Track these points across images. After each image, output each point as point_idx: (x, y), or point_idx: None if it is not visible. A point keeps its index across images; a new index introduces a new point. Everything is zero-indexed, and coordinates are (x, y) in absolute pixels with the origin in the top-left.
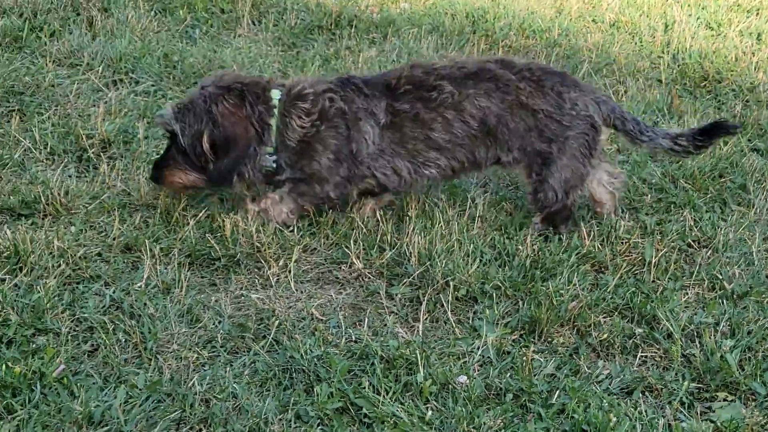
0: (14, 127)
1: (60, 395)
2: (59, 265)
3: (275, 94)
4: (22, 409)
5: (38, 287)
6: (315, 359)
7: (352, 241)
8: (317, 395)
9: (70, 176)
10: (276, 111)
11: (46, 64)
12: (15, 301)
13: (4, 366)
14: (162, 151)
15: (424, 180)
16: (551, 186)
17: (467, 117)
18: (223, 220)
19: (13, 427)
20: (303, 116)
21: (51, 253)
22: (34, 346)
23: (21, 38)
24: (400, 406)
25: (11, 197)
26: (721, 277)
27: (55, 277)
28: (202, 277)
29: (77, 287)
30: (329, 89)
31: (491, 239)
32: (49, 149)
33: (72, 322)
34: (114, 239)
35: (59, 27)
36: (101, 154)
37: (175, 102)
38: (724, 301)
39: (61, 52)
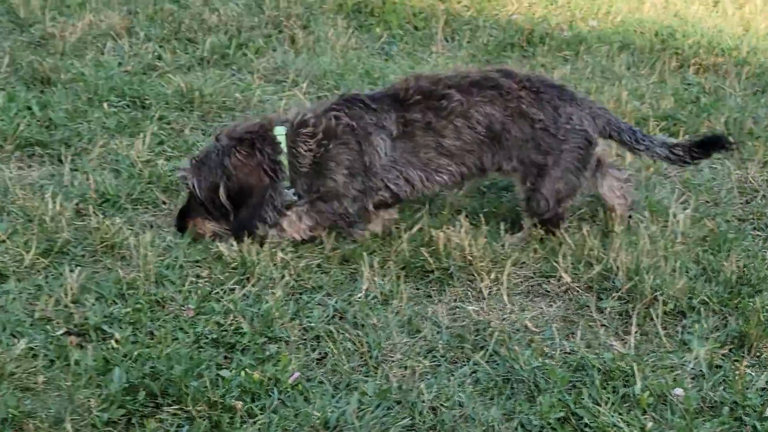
0: None
1: (296, 401)
2: (283, 276)
3: (279, 131)
4: (262, 414)
5: (266, 297)
6: (534, 370)
7: (560, 256)
8: (540, 405)
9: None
10: (283, 146)
11: (254, 80)
12: (245, 309)
13: (243, 372)
14: (185, 201)
15: (435, 187)
16: (543, 196)
17: (474, 123)
18: (436, 234)
19: (255, 430)
20: (308, 140)
21: (275, 264)
22: (267, 353)
23: (228, 55)
24: (619, 416)
25: None
26: None
27: (281, 288)
28: (417, 289)
29: (301, 297)
30: (332, 109)
31: (695, 255)
32: None
33: (299, 331)
34: (332, 251)
35: (263, 44)
36: None
37: (192, 154)
38: None
39: (267, 68)
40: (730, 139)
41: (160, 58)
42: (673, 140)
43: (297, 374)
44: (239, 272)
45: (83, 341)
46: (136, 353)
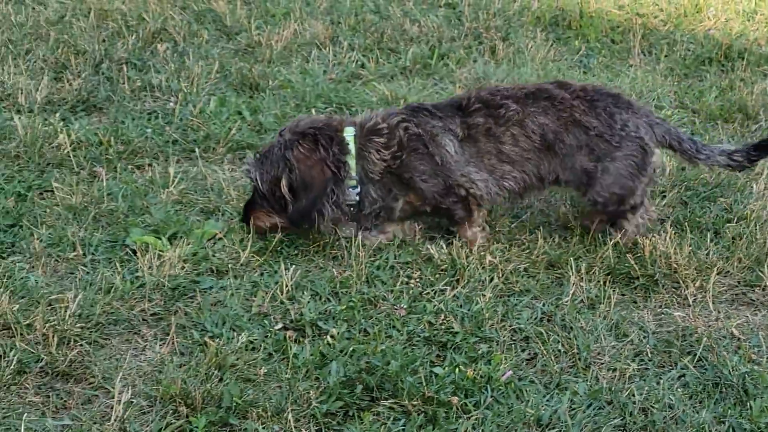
0: None
1: (509, 398)
2: (492, 279)
3: (348, 132)
4: (476, 410)
5: (476, 299)
6: (743, 375)
7: (766, 266)
8: (750, 409)
9: None
10: (351, 148)
11: (455, 90)
12: (455, 310)
13: (456, 370)
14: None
15: (504, 193)
16: (599, 194)
17: (530, 132)
18: (642, 242)
19: (470, 425)
20: (382, 149)
21: (483, 267)
22: (479, 352)
23: (429, 65)
24: None
25: None
26: None
27: (490, 290)
28: (623, 294)
29: (509, 300)
30: (403, 119)
31: None
32: None
33: (509, 332)
34: (538, 256)
35: (464, 55)
36: None
37: (255, 150)
38: None
39: (468, 78)
40: None
41: (363, 66)
42: (731, 146)
43: (509, 372)
44: (449, 274)
45: (299, 336)
46: (351, 349)
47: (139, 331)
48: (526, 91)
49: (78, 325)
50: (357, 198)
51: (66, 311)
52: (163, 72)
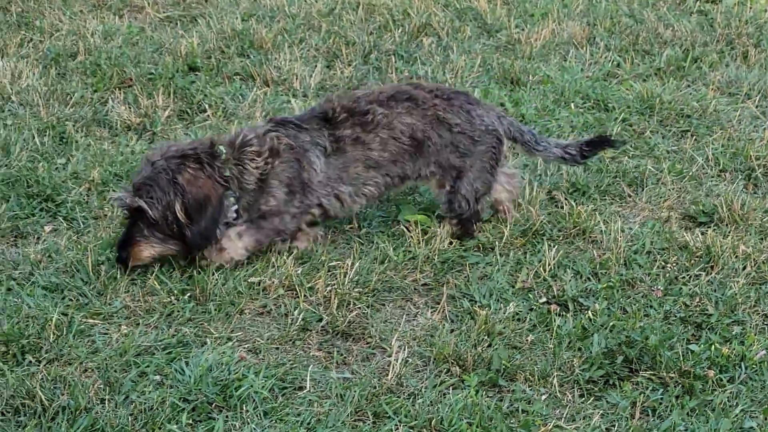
0: (689, 146)
1: (763, 375)
2: (745, 267)
3: (221, 150)
4: (731, 384)
5: (730, 284)
6: None
7: None
8: None
9: (742, 191)
10: (228, 164)
11: (708, 92)
12: (710, 294)
13: (712, 347)
14: (122, 233)
15: (363, 201)
16: (464, 196)
17: (398, 134)
18: None
19: (725, 398)
20: (255, 157)
21: (737, 256)
22: (732, 333)
23: (683, 67)
24: None
25: (692, 206)
26: None
27: (743, 277)
28: None
29: (761, 287)
30: (270, 130)
31: None
32: (720, 166)
33: (760, 316)
34: None
35: (716, 59)
36: None
37: (127, 183)
38: None
39: (720, 81)
40: (617, 138)
41: (618, 66)
42: (563, 141)
43: (762, 352)
44: (704, 261)
45: (562, 310)
46: (611, 324)
47: (411, 298)
48: (386, 94)
49: (356, 290)
50: (235, 214)
51: (345, 276)
52: (429, 64)
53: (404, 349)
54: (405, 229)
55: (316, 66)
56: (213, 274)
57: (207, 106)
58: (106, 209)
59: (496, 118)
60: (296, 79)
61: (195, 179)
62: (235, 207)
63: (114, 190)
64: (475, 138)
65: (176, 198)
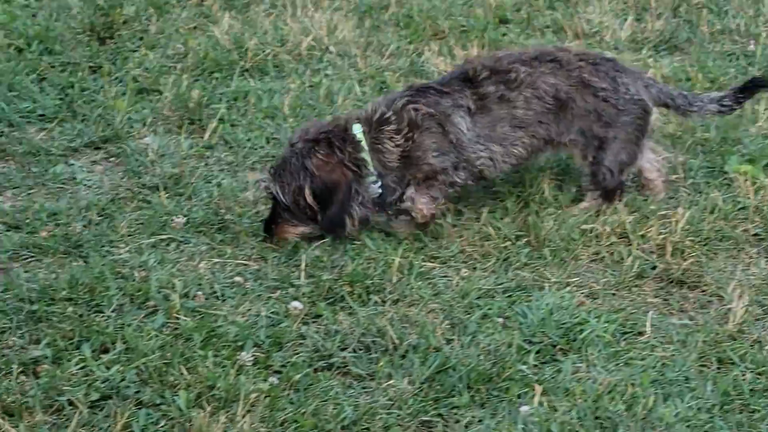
0: None
1: None
2: None
3: (356, 129)
4: None
5: None
6: None
7: None
8: None
9: None
10: (363, 144)
11: None
12: None
13: None
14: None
15: (513, 160)
16: (608, 168)
17: (542, 93)
18: None
19: None
20: (394, 135)
21: None
22: None
23: None
24: None
25: None
26: None
27: None
28: None
29: None
30: (409, 101)
31: None
32: None
33: None
34: None
35: None
36: None
37: (270, 164)
38: None
39: None
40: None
41: None
42: (716, 94)
43: None
44: None
45: None
46: None
47: (743, 248)
48: (529, 55)
49: (688, 238)
50: (380, 191)
51: (677, 225)
52: (740, 17)
53: (743, 298)
54: (732, 180)
55: (626, 19)
56: (546, 221)
57: None
58: None
59: (643, 86)
60: (607, 31)
61: (324, 164)
62: (378, 185)
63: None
64: (619, 107)
65: (305, 183)
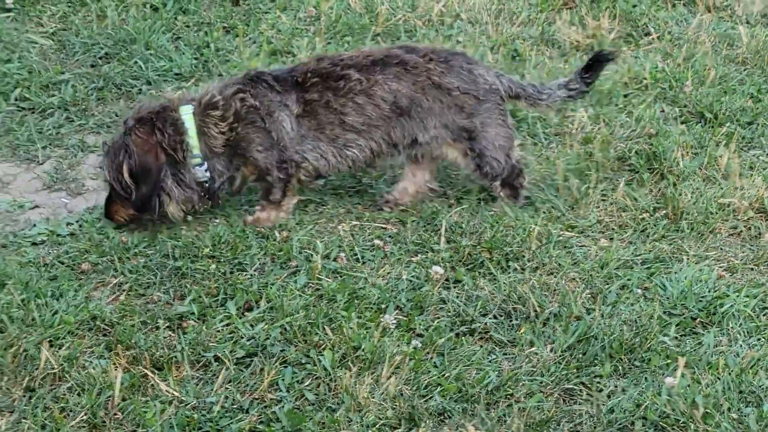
0: None
1: None
2: None
3: (185, 110)
4: None
5: None
6: None
7: None
8: None
9: None
10: (189, 126)
11: None
12: None
13: None
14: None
15: (348, 162)
16: (492, 156)
17: (379, 101)
18: None
19: None
20: (219, 122)
21: None
22: None
23: None
24: None
25: None
26: None
27: None
28: None
29: None
30: (239, 90)
31: None
32: None
33: None
34: None
35: None
36: None
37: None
38: None
39: None
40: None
41: None
42: (562, 80)
43: None
44: None
45: None
46: None
47: None
48: (373, 58)
49: None
50: (208, 174)
51: None
52: None
53: None
54: None
55: None
56: (683, 194)
57: (651, 30)
58: (566, 126)
59: (495, 77)
60: (738, 5)
61: (142, 144)
62: (204, 168)
63: None
64: (480, 96)
65: (124, 160)
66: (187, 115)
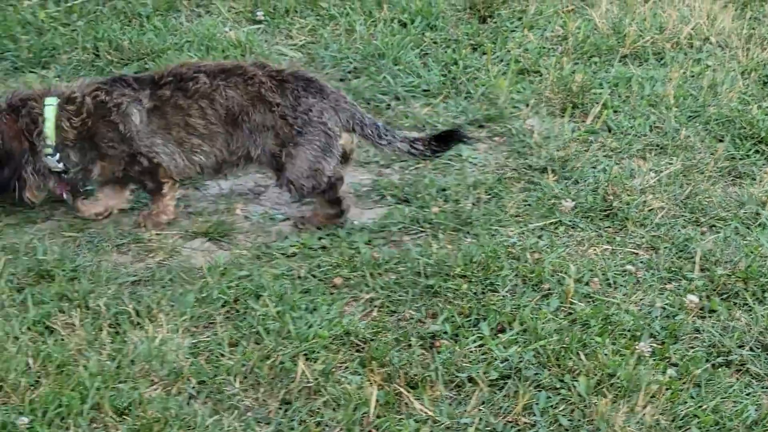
0: None
1: None
2: None
3: (48, 101)
4: None
5: None
6: None
7: None
8: None
9: None
10: (48, 117)
11: None
12: None
13: None
14: None
15: (197, 168)
16: (297, 179)
17: (217, 106)
18: None
19: None
20: (72, 117)
21: None
22: None
23: None
24: None
25: None
26: None
27: None
28: None
29: None
30: (97, 88)
31: None
32: None
33: None
34: None
35: None
36: None
37: None
38: None
39: None
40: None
41: None
42: (414, 135)
43: None
44: None
45: None
46: None
47: None
48: (223, 66)
49: None
50: (60, 165)
51: None
52: None
53: None
54: None
55: None
56: None
57: None
58: None
59: (332, 109)
60: None
61: (8, 129)
62: (56, 158)
63: None
64: (296, 126)
65: None
66: (49, 107)
